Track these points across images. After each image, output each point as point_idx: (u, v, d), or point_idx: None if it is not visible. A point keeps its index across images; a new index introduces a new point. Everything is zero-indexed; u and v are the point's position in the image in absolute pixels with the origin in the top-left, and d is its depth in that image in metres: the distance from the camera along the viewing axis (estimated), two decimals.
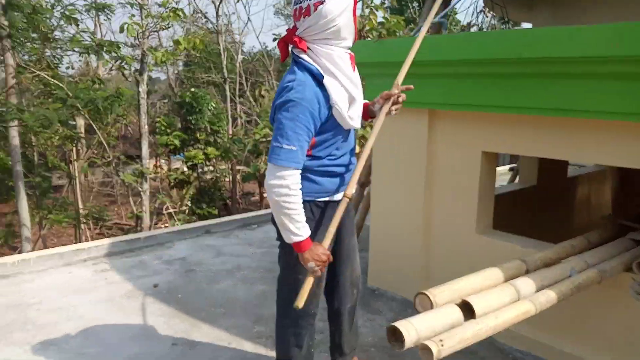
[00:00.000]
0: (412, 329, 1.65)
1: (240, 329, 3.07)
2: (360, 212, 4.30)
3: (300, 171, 1.94)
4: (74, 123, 12.17)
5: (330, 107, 1.98)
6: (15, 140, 8.94)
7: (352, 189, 2.11)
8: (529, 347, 2.81)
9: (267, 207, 14.26)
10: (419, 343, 1.66)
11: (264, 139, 12.44)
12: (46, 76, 8.87)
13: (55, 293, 3.58)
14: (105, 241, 4.50)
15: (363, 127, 6.46)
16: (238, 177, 16.04)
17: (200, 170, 13.72)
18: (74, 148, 12.39)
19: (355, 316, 2.48)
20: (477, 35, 3.31)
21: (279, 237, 2.19)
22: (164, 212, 14.61)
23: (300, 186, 1.94)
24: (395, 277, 3.52)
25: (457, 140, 3.09)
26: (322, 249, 1.98)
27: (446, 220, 3.20)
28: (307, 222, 2.00)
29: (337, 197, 2.16)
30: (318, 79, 1.95)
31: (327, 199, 2.14)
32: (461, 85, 2.88)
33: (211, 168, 14.31)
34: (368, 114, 2.27)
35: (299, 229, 1.93)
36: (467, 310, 1.84)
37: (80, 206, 12.80)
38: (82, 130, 13.19)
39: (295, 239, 1.94)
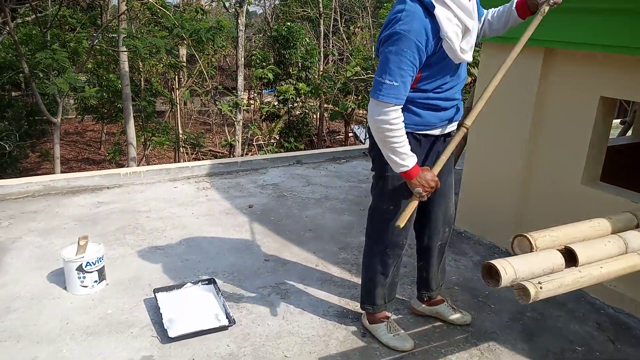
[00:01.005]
0: (509, 267, 1.63)
1: (327, 254, 3.21)
2: (457, 147, 4.16)
3: (401, 107, 1.92)
4: (177, 52, 12.73)
5: (439, 40, 1.90)
6: (126, 65, 9.58)
7: (472, 119, 2.04)
8: (622, 304, 2.67)
9: (352, 145, 14.34)
10: (516, 283, 1.64)
11: (355, 78, 12.29)
12: (155, 4, 9.26)
13: (162, 204, 3.92)
14: (207, 162, 4.81)
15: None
16: (325, 115, 16.14)
17: (290, 105, 13.94)
18: (177, 76, 13.06)
19: (444, 254, 2.50)
20: None
21: (374, 166, 2.23)
22: (254, 143, 15.19)
23: (402, 120, 1.92)
24: (485, 222, 3.45)
25: (573, 83, 2.85)
26: (431, 175, 1.98)
27: (549, 168, 3.04)
28: None
29: (436, 131, 2.12)
30: (429, 9, 1.86)
31: (426, 132, 2.10)
32: (584, 21, 2.62)
33: (300, 104, 14.48)
34: (521, 12, 2.09)
35: (404, 160, 1.95)
36: (569, 258, 1.77)
37: (180, 131, 13.63)
38: (184, 59, 13.79)
39: (402, 169, 1.96)
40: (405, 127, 2.01)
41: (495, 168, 3.32)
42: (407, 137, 2.04)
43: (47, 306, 2.50)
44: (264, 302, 2.63)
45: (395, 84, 1.87)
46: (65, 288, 2.64)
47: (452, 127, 2.18)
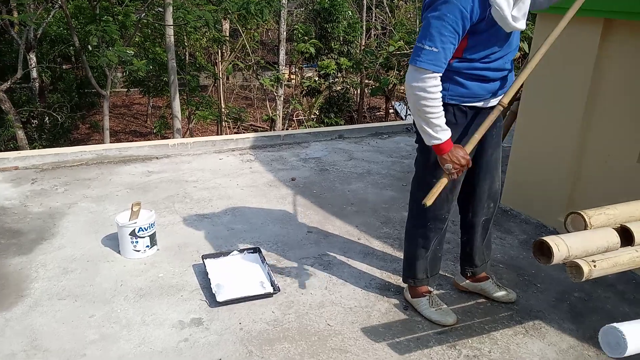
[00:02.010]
0: (562, 244, 1.59)
1: (369, 227, 3.22)
2: (506, 120, 4.05)
3: (440, 74, 1.86)
4: (221, 27, 12.80)
5: (487, 6, 1.82)
6: (171, 39, 9.71)
7: (509, 97, 1.99)
8: None
9: (392, 121, 14.17)
10: (569, 260, 1.60)
11: (398, 52, 12.04)
12: None
13: (208, 174, 4.02)
14: (250, 135, 4.88)
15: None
16: (366, 90, 15.94)
17: (331, 80, 13.83)
18: (220, 50, 13.16)
19: (490, 230, 2.46)
20: None
21: (418, 139, 2.18)
22: (294, 118, 15.23)
23: (439, 89, 1.87)
24: (533, 200, 3.37)
25: (634, 56, 2.71)
26: (463, 153, 1.94)
27: (603, 146, 2.92)
28: (449, 126, 1.97)
29: (484, 104, 2.05)
30: None
31: (473, 104, 2.04)
32: None
33: (341, 79, 14.35)
34: None
35: (436, 132, 1.90)
36: (625, 238, 1.72)
37: (222, 105, 13.80)
38: (227, 33, 13.87)
39: (433, 142, 1.92)
40: (451, 99, 1.99)
41: (547, 144, 3.22)
42: (453, 109, 2.02)
43: (102, 268, 2.64)
44: (307, 272, 2.68)
45: (434, 49, 1.81)
46: (118, 252, 2.77)
47: (498, 99, 2.09)
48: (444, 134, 1.92)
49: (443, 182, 1.96)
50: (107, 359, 1.99)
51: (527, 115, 3.35)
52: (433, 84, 1.85)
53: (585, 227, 1.74)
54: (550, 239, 1.60)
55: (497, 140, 2.26)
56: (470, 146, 1.97)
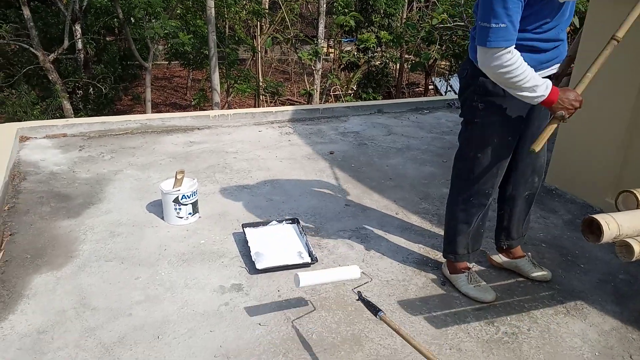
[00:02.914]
0: (613, 223, 1.55)
1: (408, 202, 3.20)
2: None
3: (513, 46, 1.80)
4: None
5: None
6: (212, 11, 9.74)
7: (623, 31, 1.89)
8: None
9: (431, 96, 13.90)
10: (619, 239, 1.55)
11: (441, 26, 11.71)
12: None
13: (247, 146, 4.07)
14: (289, 108, 4.88)
15: None
16: (405, 66, 15.63)
17: (370, 54, 13.62)
18: (259, 23, 13.13)
19: (532, 206, 2.40)
20: None
21: (463, 112, 2.16)
22: (332, 93, 15.13)
23: (517, 57, 1.80)
24: (580, 180, 3.25)
25: None
26: (574, 95, 1.87)
27: None
28: (498, 98, 1.95)
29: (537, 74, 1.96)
30: None
31: None
32: None
33: (381, 53, 14.09)
34: None
35: (536, 91, 1.84)
36: None
37: (260, 79, 13.84)
38: (267, 6, 13.80)
39: (539, 100, 1.86)
40: None
41: (596, 122, 3.08)
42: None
43: (146, 233, 2.73)
44: (344, 244, 2.70)
45: (502, 25, 1.75)
46: (162, 218, 2.86)
47: (553, 69, 2.04)
48: (543, 88, 1.85)
49: (552, 127, 1.89)
50: (151, 318, 2.07)
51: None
52: (509, 58, 1.79)
53: (638, 206, 1.68)
54: (600, 217, 1.56)
55: (546, 112, 2.18)
56: (583, 86, 1.89)
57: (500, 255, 2.50)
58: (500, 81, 1.87)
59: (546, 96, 1.84)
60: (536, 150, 1.86)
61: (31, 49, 10.57)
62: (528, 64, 1.93)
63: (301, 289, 2.28)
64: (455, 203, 2.29)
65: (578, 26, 6.50)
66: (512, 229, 2.40)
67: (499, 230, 2.46)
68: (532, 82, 1.82)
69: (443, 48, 12.57)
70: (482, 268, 2.52)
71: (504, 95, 1.99)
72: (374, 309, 1.90)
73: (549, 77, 2.02)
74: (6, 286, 2.23)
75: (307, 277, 1.99)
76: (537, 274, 2.41)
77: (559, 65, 2.06)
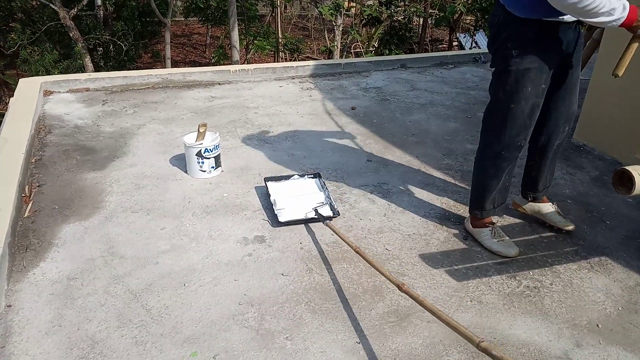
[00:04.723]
0: None
1: (430, 158, 3.16)
2: (587, 49, 3.70)
3: None
4: None
5: None
6: None
7: None
8: None
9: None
10: None
11: None
12: None
13: (268, 101, 4.04)
14: (310, 63, 4.80)
15: None
16: (429, 21, 15.14)
17: (393, 9, 13.20)
18: None
19: (557, 155, 2.38)
20: None
21: (494, 61, 2.11)
22: (352, 50, 14.81)
23: None
24: (610, 136, 3.16)
25: None
26: None
27: None
28: (533, 43, 1.94)
29: (568, 17, 1.92)
30: None
31: (554, 19, 1.93)
32: None
33: (404, 7, 13.64)
34: None
35: (614, 15, 1.78)
36: None
37: (280, 36, 13.60)
38: None
39: (618, 23, 1.81)
40: (531, 14, 1.91)
41: (630, 78, 2.95)
42: (537, 25, 1.93)
43: (170, 186, 2.76)
44: (366, 199, 2.69)
45: None
46: (185, 171, 2.88)
47: None
48: (620, 10, 1.79)
49: (633, 48, 1.86)
50: (177, 267, 2.13)
51: (610, 45, 3.07)
52: None
53: None
54: (632, 169, 1.51)
55: (578, 58, 2.13)
56: None
57: (526, 201, 2.50)
58: (575, 11, 1.79)
59: (625, 17, 1.78)
60: (619, 75, 1.83)
61: (51, 5, 10.53)
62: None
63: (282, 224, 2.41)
64: (485, 158, 2.25)
65: None
66: (539, 181, 2.39)
67: (526, 182, 2.45)
68: (608, 5, 1.75)
69: (469, 2, 12.11)
70: (506, 223, 2.50)
71: (538, 40, 1.94)
72: (323, 218, 2.37)
73: (579, 21, 1.98)
74: (36, 235, 2.30)
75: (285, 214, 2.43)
76: (560, 219, 2.41)
77: None
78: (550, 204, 2.45)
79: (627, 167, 1.51)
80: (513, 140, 2.12)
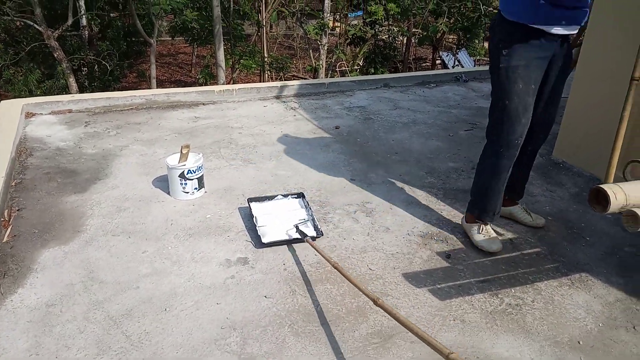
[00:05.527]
0: (620, 193, 1.53)
1: (413, 177, 3.18)
2: None
3: None
4: None
5: None
6: None
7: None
8: None
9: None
10: (626, 209, 1.54)
11: None
12: None
13: (253, 121, 4.05)
14: (295, 82, 4.84)
15: None
16: (413, 40, 15.37)
17: (377, 28, 13.40)
18: None
19: (531, 163, 2.58)
20: None
21: (490, 62, 2.29)
22: (337, 69, 14.94)
23: None
24: (587, 153, 3.22)
25: None
26: None
27: None
28: (519, 43, 2.14)
29: (548, 29, 2.12)
30: None
31: (540, 27, 2.12)
32: None
33: (388, 27, 13.85)
34: None
35: None
36: None
37: (265, 55, 13.69)
38: None
39: None
40: (520, 19, 2.10)
41: (605, 95, 3.03)
42: (522, 29, 2.12)
43: (153, 208, 2.74)
44: (350, 218, 2.70)
45: None
46: (168, 193, 2.87)
47: (573, 29, 2.17)
48: None
49: None
50: (158, 291, 2.10)
51: (587, 64, 3.15)
52: None
53: None
54: (607, 187, 1.54)
55: (563, 73, 2.29)
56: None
57: None
58: None
59: None
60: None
61: (35, 25, 10.49)
62: (547, 17, 2.09)
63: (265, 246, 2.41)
64: (486, 157, 2.40)
65: None
66: (514, 183, 2.55)
67: (510, 191, 2.59)
68: None
69: (451, 21, 12.35)
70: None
71: (524, 42, 2.13)
72: (303, 235, 2.39)
73: (566, 36, 2.18)
74: (15, 260, 2.26)
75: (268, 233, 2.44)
76: (530, 219, 2.59)
77: (579, 28, 2.19)
78: (519, 206, 2.64)
79: (602, 186, 1.54)
80: (510, 138, 2.25)
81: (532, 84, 2.21)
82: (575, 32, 2.21)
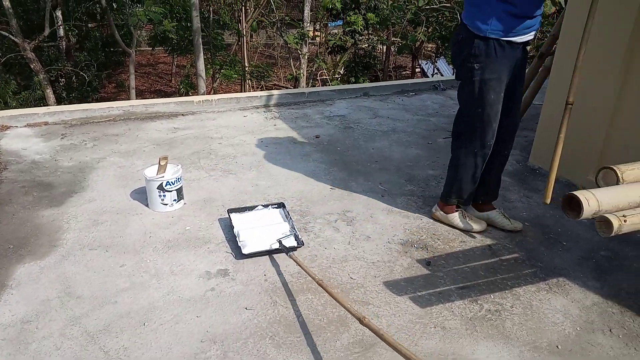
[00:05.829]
0: (592, 199, 1.56)
1: (394, 185, 3.20)
2: (530, 89, 3.94)
3: None
4: None
5: None
6: None
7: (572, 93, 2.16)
8: None
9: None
10: (598, 215, 1.57)
11: (427, 7, 11.64)
12: None
13: (232, 131, 4.04)
14: (275, 92, 4.85)
15: None
16: (392, 49, 15.55)
17: (357, 37, 13.52)
18: (243, 7, 12.94)
19: (504, 164, 2.70)
20: None
21: (460, 74, 2.40)
22: (318, 78, 15.03)
23: None
24: (563, 159, 3.25)
25: None
26: None
27: (638, 105, 2.80)
28: (491, 59, 2.26)
29: (520, 39, 2.28)
30: None
31: (510, 39, 2.26)
32: None
33: (367, 36, 13.99)
34: None
35: None
36: None
37: (246, 64, 13.70)
38: None
39: None
40: (492, 33, 2.24)
41: (579, 103, 3.09)
42: (494, 44, 2.25)
43: (131, 221, 2.71)
44: (330, 227, 2.70)
45: None
46: (147, 205, 2.83)
47: (533, 35, 2.32)
48: None
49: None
50: (137, 305, 2.07)
51: (560, 72, 3.22)
52: None
53: (617, 183, 1.70)
54: (580, 193, 1.57)
55: (522, 75, 2.48)
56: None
57: (473, 209, 2.77)
58: None
59: None
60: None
61: (11, 36, 10.33)
62: (516, 29, 2.24)
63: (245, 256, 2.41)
64: (460, 156, 2.53)
65: (564, 6, 6.51)
66: (488, 184, 2.67)
67: (485, 193, 2.72)
68: None
69: (429, 30, 12.53)
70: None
71: (496, 55, 2.26)
72: (287, 250, 2.37)
73: (526, 42, 2.32)
74: None
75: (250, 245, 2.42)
76: (507, 222, 2.66)
77: (534, 33, 2.34)
78: (497, 210, 2.71)
79: (575, 192, 1.57)
80: (483, 140, 2.42)
81: (502, 92, 2.37)
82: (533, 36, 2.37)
